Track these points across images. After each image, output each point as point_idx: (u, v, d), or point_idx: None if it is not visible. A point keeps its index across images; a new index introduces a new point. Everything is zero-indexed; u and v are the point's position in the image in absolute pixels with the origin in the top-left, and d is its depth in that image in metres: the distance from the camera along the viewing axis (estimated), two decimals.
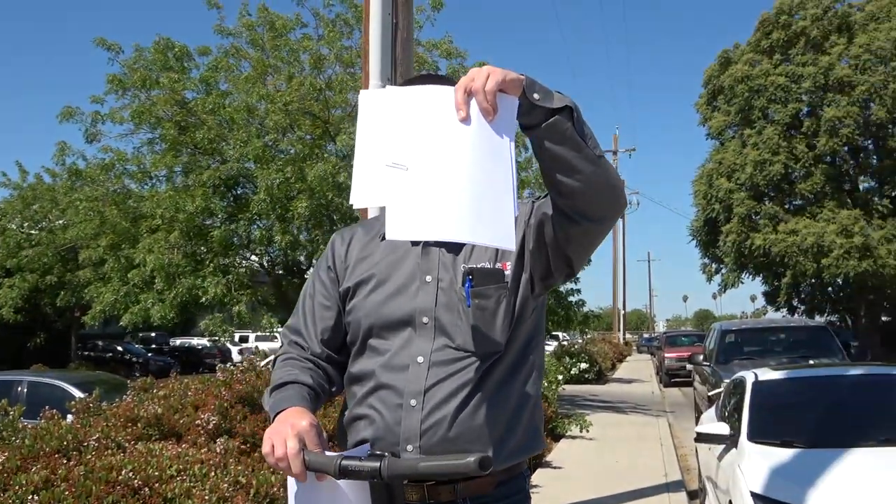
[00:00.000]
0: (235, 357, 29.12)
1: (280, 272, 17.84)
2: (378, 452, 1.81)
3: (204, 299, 15.18)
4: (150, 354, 31.47)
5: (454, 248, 2.00)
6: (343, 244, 2.14)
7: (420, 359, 1.91)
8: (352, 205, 1.73)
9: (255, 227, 16.00)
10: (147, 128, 16.69)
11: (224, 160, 15.96)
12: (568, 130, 1.74)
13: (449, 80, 1.91)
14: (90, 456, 4.70)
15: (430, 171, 1.67)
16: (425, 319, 1.93)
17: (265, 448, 1.78)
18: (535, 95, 1.71)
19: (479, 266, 1.97)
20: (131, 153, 17.23)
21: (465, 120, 1.67)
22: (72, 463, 4.57)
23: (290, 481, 1.83)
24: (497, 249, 1.96)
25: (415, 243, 2.00)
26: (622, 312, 56.02)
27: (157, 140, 16.86)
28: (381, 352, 1.95)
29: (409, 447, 1.87)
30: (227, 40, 17.14)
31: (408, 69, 6.54)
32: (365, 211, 6.32)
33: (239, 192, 16.95)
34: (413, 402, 1.88)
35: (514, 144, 1.70)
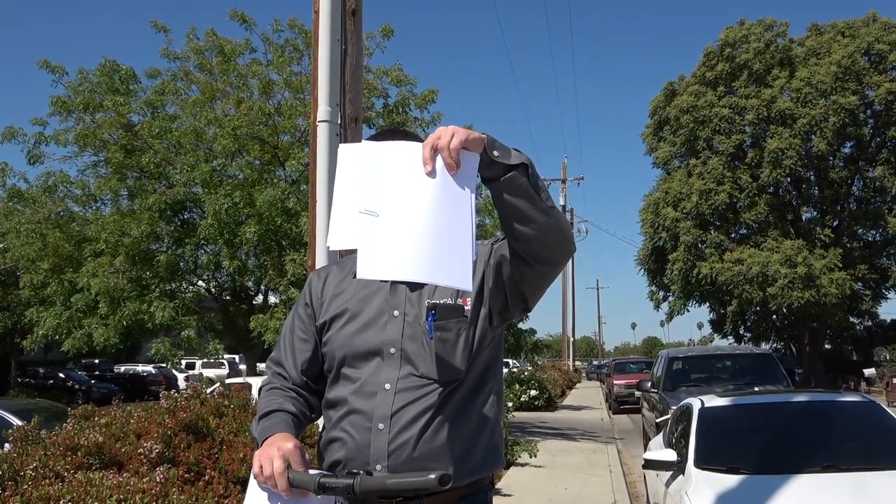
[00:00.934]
0: (181, 384, 28.49)
1: (227, 298, 17.84)
2: (354, 471, 1.98)
3: (150, 324, 15.11)
4: (93, 381, 30.64)
5: (420, 285, 2.15)
6: (319, 282, 2.32)
7: (387, 385, 2.09)
8: (303, 234, 1.89)
9: (203, 252, 16.17)
10: (92, 151, 16.72)
11: (171, 184, 16.03)
12: (523, 184, 1.91)
13: (414, 136, 2.11)
14: (27, 486, 4.55)
15: (398, 218, 1.85)
16: (392, 350, 2.11)
17: (255, 468, 1.97)
18: (495, 153, 1.88)
19: (441, 302, 2.14)
20: (75, 176, 17.18)
21: (431, 173, 1.85)
22: (7, 493, 4.42)
23: (251, 493, 2.02)
24: None
25: (384, 281, 2.14)
26: (571, 340, 56.32)
27: (101, 163, 16.91)
28: (353, 380, 2.13)
29: (378, 466, 2.04)
30: (175, 64, 17.16)
31: (357, 95, 6.55)
32: (313, 241, 6.39)
33: (186, 217, 16.99)
34: (381, 425, 2.06)
35: (474, 196, 1.88)
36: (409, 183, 1.87)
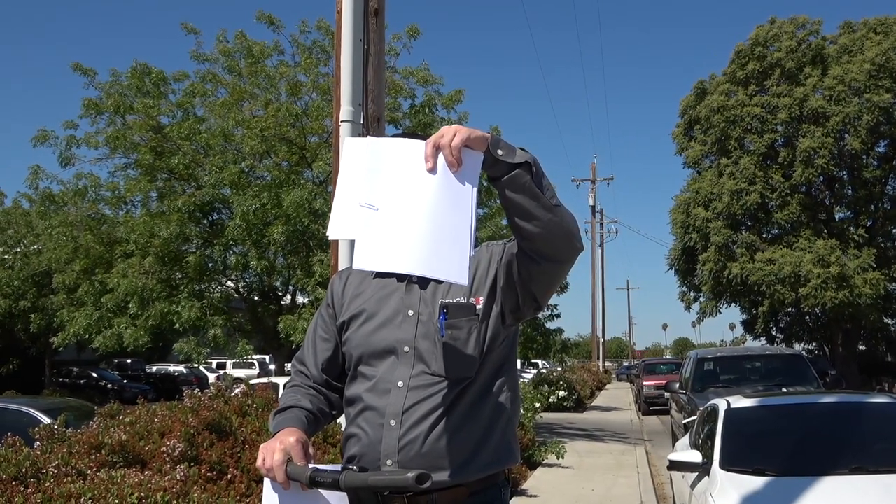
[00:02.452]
0: (212, 384, 28.26)
1: (256, 298, 17.91)
2: (350, 467, 2.00)
3: (178, 324, 15.23)
4: (125, 381, 30.95)
5: (434, 285, 2.21)
6: (340, 283, 2.39)
7: (400, 383, 2.14)
8: (327, 234, 2.01)
9: (231, 252, 16.14)
10: (122, 153, 16.83)
11: (200, 186, 16.14)
12: (527, 182, 1.93)
13: (423, 137, 2.11)
14: (49, 483, 4.60)
15: (397, 212, 1.90)
16: (406, 348, 2.16)
17: (258, 460, 2.06)
18: (499, 151, 1.92)
19: (453, 301, 2.18)
20: (106, 178, 17.34)
21: (432, 170, 1.89)
22: (30, 490, 4.46)
23: (267, 488, 2.09)
24: (471, 285, 2.18)
25: (399, 280, 2.24)
26: (601, 340, 55.92)
27: (132, 165, 17.08)
28: (369, 377, 2.18)
29: (389, 462, 2.10)
30: (204, 66, 17.25)
31: (379, 95, 6.58)
32: (336, 242, 6.40)
33: (214, 218, 17.12)
34: (392, 421, 2.11)
35: (475, 193, 1.91)
36: (411, 178, 1.92)
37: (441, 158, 1.90)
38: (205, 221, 16.77)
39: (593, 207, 52.40)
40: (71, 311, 16.28)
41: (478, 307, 2.19)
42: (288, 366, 18.81)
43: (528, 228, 1.99)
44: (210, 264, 16.36)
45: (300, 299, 17.24)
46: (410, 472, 1.87)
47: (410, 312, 2.21)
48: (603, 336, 56.52)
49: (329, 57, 16.25)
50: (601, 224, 54.65)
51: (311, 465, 2.03)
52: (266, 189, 15.04)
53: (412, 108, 16.37)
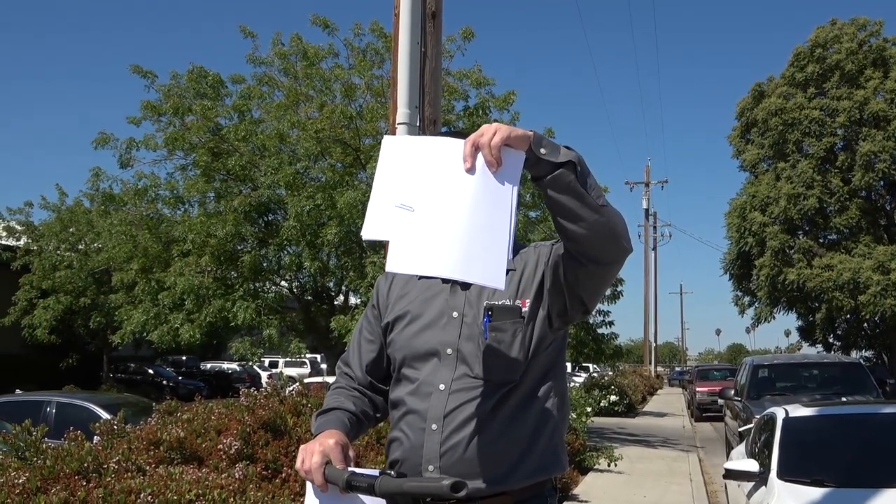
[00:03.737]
0: (265, 382, 28.05)
1: (309, 298, 17.88)
2: (388, 472, 1.97)
3: (233, 322, 15.30)
4: (180, 378, 31.36)
5: (479, 286, 2.14)
6: (386, 284, 2.36)
7: (442, 386, 2.10)
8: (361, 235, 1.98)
9: (285, 253, 16.16)
10: (180, 154, 17.00)
11: (255, 186, 16.07)
12: (571, 182, 1.88)
13: (465, 136, 2.06)
14: (110, 478, 4.69)
15: (434, 213, 1.85)
16: (449, 351, 2.12)
17: (297, 462, 2.04)
18: (542, 150, 1.87)
19: (498, 303, 2.13)
20: (164, 178, 17.50)
21: (471, 170, 1.84)
22: (91, 485, 4.56)
23: (309, 491, 2.06)
24: (518, 287, 2.15)
25: (445, 281, 2.18)
26: (653, 345, 55.27)
27: (189, 166, 17.09)
28: (412, 380, 2.15)
29: (430, 467, 2.07)
30: (261, 69, 17.32)
31: (436, 97, 6.62)
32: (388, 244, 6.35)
33: (269, 219, 17.00)
34: (434, 426, 2.07)
35: (516, 194, 1.87)
36: (449, 179, 1.88)
37: (480, 158, 1.86)
38: (260, 222, 16.71)
39: (647, 211, 51.94)
40: (129, 310, 16.48)
41: (523, 309, 2.15)
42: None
43: (573, 230, 1.95)
44: (265, 264, 16.23)
45: (352, 300, 17.24)
46: (446, 480, 1.83)
47: (455, 314, 2.18)
48: (655, 341, 55.70)
49: (383, 60, 16.27)
50: (654, 227, 53.96)
51: (349, 469, 2.01)
52: (320, 190, 15.08)
53: (465, 110, 16.15)
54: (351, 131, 15.77)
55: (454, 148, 1.88)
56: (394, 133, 6.38)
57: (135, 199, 17.21)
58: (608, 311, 18.07)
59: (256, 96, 16.96)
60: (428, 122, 6.52)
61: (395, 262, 1.86)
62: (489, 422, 2.07)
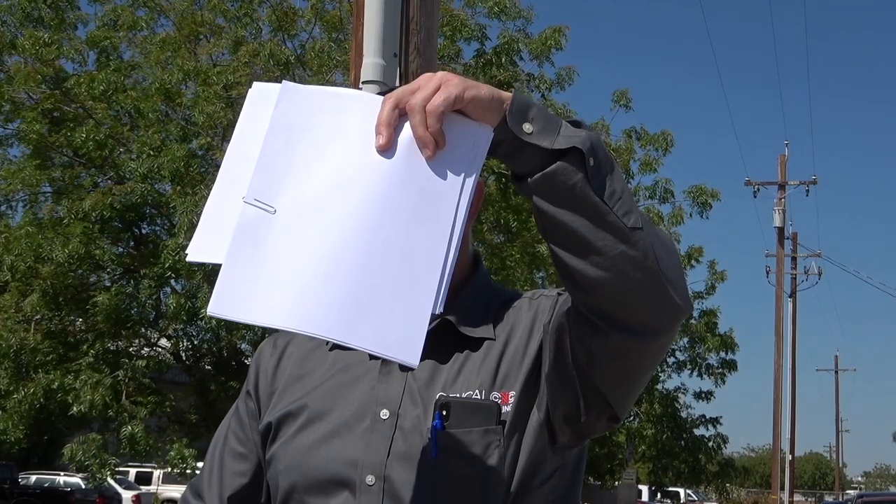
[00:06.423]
0: None
1: (208, 367, 14.44)
2: None
3: (75, 409, 11.56)
4: None
5: (432, 365, 1.44)
6: (274, 355, 1.61)
7: None
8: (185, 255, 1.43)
9: (170, 290, 12.75)
10: None
11: (121, 177, 12.74)
12: (578, 185, 1.19)
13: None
14: None
15: (308, 221, 1.22)
16: (370, 479, 1.42)
17: None
18: (526, 126, 1.20)
19: (460, 396, 1.41)
20: None
21: (386, 150, 1.22)
22: None
23: None
24: (496, 369, 1.43)
25: (372, 357, 1.49)
26: (789, 458, 41.83)
27: (10, 139, 13.77)
28: None
29: None
30: None
31: (429, 36, 4.76)
32: None
33: (144, 232, 13.91)
34: None
35: (467, 197, 1.22)
36: (347, 163, 1.23)
37: (407, 132, 1.20)
38: (127, 237, 13.52)
39: (781, 231, 33.67)
40: None
41: (504, 409, 1.40)
42: None
43: (582, 270, 1.23)
44: (133, 310, 12.50)
45: None
46: None
47: (385, 413, 1.44)
48: (791, 451, 42.14)
49: None
50: (793, 259, 33.98)
51: None
52: None
53: (479, 56, 12.12)
54: None
55: (364, 109, 1.24)
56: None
57: None
58: (710, 395, 12.79)
59: (127, 25, 13.03)
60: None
61: (222, 300, 1.20)
62: None
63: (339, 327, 1.17)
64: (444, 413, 1.39)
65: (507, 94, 1.21)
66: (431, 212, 1.22)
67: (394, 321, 1.18)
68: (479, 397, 1.41)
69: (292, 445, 1.46)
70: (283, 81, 1.26)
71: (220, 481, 1.58)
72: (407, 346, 1.17)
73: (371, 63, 4.59)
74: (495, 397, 1.40)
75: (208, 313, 1.22)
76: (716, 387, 14.25)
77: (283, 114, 1.26)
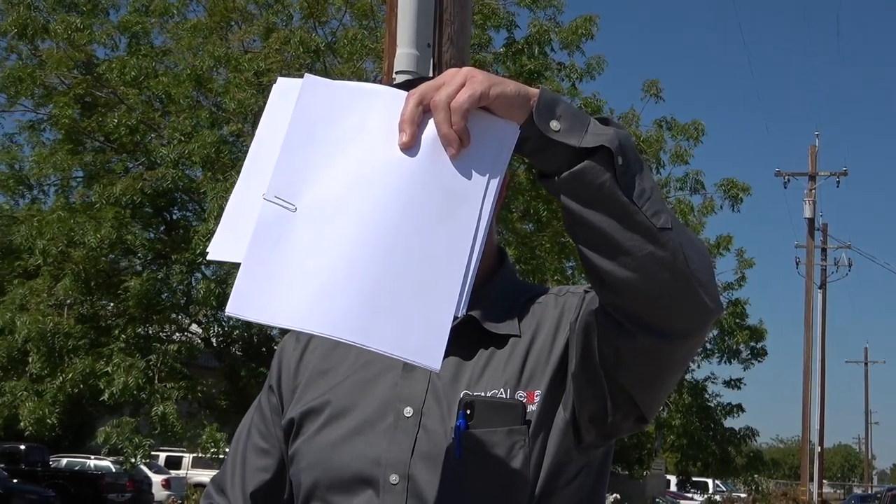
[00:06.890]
0: (158, 492, 23.36)
1: (238, 353, 14.65)
2: None
3: (106, 393, 11.70)
4: (14, 481, 21.83)
5: (456, 363, 1.44)
6: (297, 349, 1.62)
7: None
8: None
9: (200, 276, 12.95)
10: (27, 104, 13.66)
11: (153, 163, 12.79)
12: (606, 184, 1.20)
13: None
14: None
15: (328, 220, 1.23)
16: (394, 478, 1.42)
17: None
18: (553, 124, 1.20)
19: (486, 395, 1.41)
20: None
21: (410, 149, 1.22)
22: None
23: None
24: (522, 367, 1.43)
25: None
26: (818, 450, 41.85)
27: (43, 124, 13.69)
28: None
29: None
30: None
31: (463, 27, 5.00)
32: None
33: (175, 217, 14.03)
34: None
35: (493, 197, 1.22)
36: (370, 159, 1.23)
37: (431, 129, 1.20)
38: (158, 222, 13.59)
39: (811, 222, 32.09)
40: None
41: (529, 408, 1.40)
42: None
43: (610, 271, 1.24)
44: (164, 294, 12.71)
45: None
46: None
47: (408, 411, 1.43)
48: (820, 443, 42.13)
49: None
50: (823, 251, 34.38)
51: None
52: None
53: (509, 45, 12.19)
54: (316, 73, 10.40)
55: (388, 105, 1.23)
56: (389, 83, 3.65)
57: None
58: (739, 383, 12.76)
59: (159, 10, 13.19)
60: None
61: (240, 301, 1.19)
62: None
63: (358, 329, 1.18)
64: (469, 412, 1.39)
65: (533, 91, 1.21)
66: (455, 212, 1.22)
67: (415, 324, 1.19)
68: (503, 396, 1.41)
69: (315, 442, 1.46)
70: (306, 75, 1.27)
71: (243, 477, 1.59)
72: (428, 349, 1.17)
73: (404, 53, 4.79)
74: (521, 396, 1.40)
75: (227, 313, 1.23)
76: (744, 371, 14.26)
77: (304, 109, 1.26)
